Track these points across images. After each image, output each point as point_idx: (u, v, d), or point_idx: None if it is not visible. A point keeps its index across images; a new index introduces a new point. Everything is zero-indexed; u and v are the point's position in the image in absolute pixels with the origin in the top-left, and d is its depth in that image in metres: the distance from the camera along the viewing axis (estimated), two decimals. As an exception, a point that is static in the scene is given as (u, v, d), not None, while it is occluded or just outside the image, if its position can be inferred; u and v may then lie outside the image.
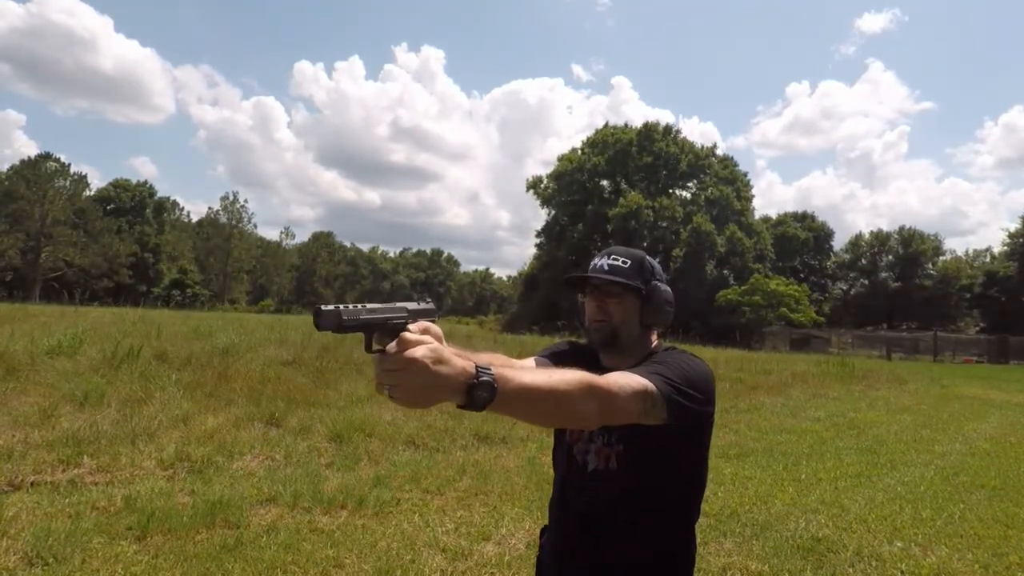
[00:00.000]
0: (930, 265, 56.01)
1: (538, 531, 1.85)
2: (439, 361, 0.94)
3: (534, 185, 55.28)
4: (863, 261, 59.03)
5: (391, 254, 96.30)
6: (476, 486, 5.00)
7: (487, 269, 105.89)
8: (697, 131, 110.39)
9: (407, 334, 0.96)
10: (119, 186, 64.79)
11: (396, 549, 3.68)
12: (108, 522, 3.71)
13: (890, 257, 58.03)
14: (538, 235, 55.48)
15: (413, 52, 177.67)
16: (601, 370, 1.20)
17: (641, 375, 1.26)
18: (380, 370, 0.95)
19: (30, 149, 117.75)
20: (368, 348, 0.98)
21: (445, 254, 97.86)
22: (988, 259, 56.22)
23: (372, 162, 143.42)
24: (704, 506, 1.59)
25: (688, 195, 54.23)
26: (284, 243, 79.74)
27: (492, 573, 3.49)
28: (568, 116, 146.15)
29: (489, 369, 0.99)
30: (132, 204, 63.79)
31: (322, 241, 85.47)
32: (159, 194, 68.75)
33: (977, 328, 48.20)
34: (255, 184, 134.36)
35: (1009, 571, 3.92)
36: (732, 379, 12.41)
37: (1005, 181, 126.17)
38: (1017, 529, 4.68)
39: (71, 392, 6.29)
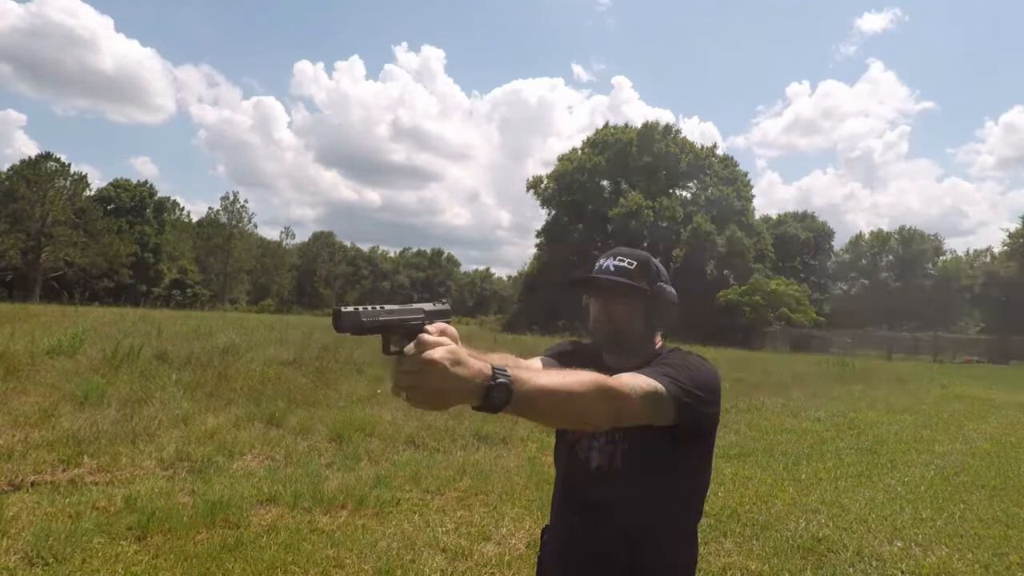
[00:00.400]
0: (930, 265, 56.02)
1: (538, 531, 1.86)
2: (457, 363, 0.93)
3: (534, 185, 55.26)
4: (863, 261, 59.04)
5: (391, 254, 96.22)
6: (476, 486, 5.00)
7: (487, 269, 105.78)
8: (697, 131, 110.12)
9: (425, 335, 0.96)
10: (119, 186, 64.77)
11: (396, 549, 3.68)
12: (108, 522, 3.71)
13: (890, 257, 58.05)
14: (538, 235, 55.50)
15: (413, 52, 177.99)
16: (605, 370, 1.20)
17: (650, 376, 1.26)
18: (398, 372, 0.94)
19: (30, 149, 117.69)
20: (386, 350, 0.98)
21: (445, 254, 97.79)
22: (988, 259, 56.13)
23: (372, 162, 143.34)
24: (704, 506, 1.58)
25: (688, 195, 54.22)
26: (284, 243, 79.74)
27: (492, 573, 3.49)
28: (568, 116, 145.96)
29: (505, 370, 0.99)
30: (132, 204, 63.75)
31: (322, 241, 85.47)
32: (159, 194, 68.69)
33: (977, 328, 48.19)
34: (255, 184, 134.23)
35: (1009, 571, 3.92)
36: (732, 379, 12.42)
37: (1005, 181, 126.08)
38: (1017, 529, 4.68)
39: (71, 392, 6.30)
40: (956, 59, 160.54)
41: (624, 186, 52.29)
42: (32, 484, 4.28)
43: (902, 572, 3.82)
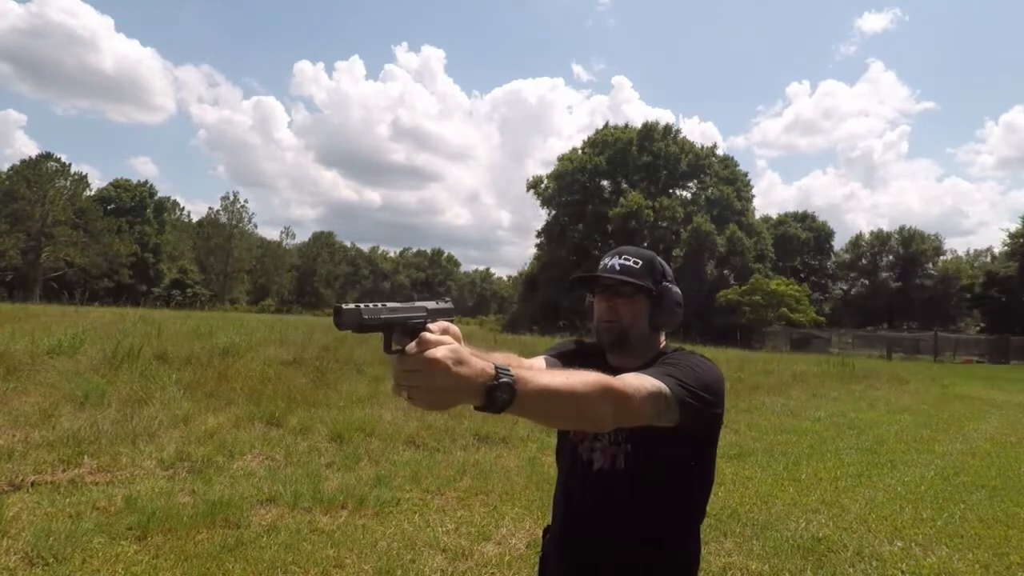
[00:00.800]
0: (930, 265, 56.01)
1: (538, 531, 1.86)
2: (459, 362, 0.92)
3: (534, 185, 55.30)
4: (863, 261, 59.02)
5: (391, 254, 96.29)
6: (476, 486, 5.00)
7: (487, 269, 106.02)
8: (697, 131, 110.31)
9: (427, 334, 0.94)
10: (119, 186, 64.81)
11: (396, 549, 3.68)
12: (108, 522, 3.71)
13: (890, 257, 58.03)
14: (538, 235, 55.54)
15: (413, 52, 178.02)
16: (608, 370, 1.20)
17: (654, 377, 1.26)
18: (399, 371, 0.92)
19: (31, 149, 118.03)
20: (388, 348, 0.97)
21: (445, 254, 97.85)
22: (989, 259, 56.16)
23: (372, 162, 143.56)
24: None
25: (688, 195, 54.24)
26: (284, 243, 79.83)
27: (492, 573, 3.49)
28: (568, 116, 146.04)
29: (508, 370, 0.97)
30: (132, 204, 63.81)
31: (322, 241, 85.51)
32: (159, 194, 68.85)
33: (977, 328, 48.13)
34: (255, 184, 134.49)
35: (1010, 571, 3.92)
36: (732, 379, 12.41)
37: (1006, 181, 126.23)
38: (1018, 529, 4.68)
39: (71, 392, 6.30)
40: (956, 59, 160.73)
41: (624, 186, 52.31)
42: (32, 484, 4.28)
43: (902, 572, 3.82)
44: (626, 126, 55.32)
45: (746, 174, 55.43)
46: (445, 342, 0.93)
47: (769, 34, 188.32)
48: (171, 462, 4.94)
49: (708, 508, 1.56)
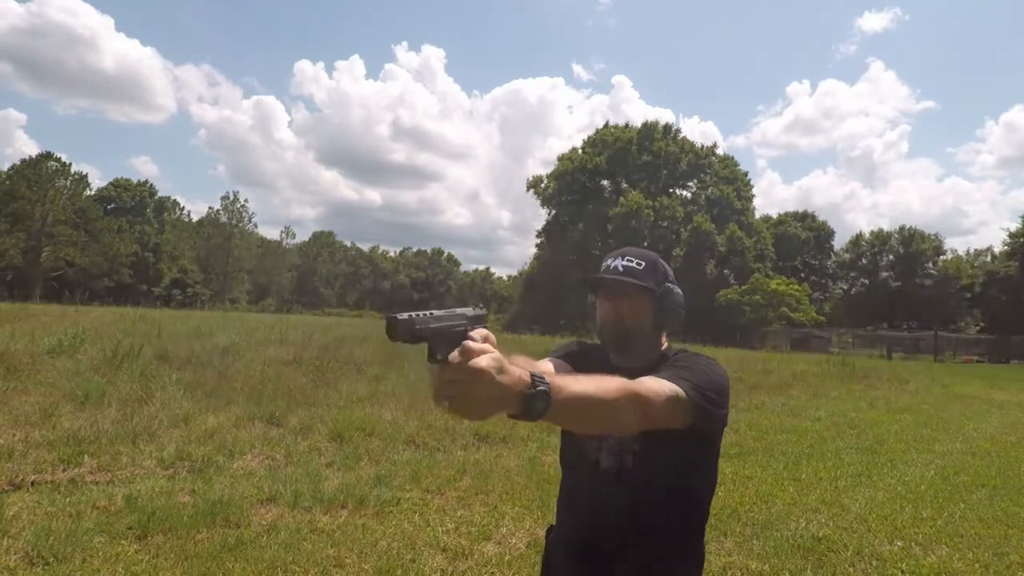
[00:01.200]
0: (931, 265, 55.96)
1: (539, 530, 1.86)
2: (501, 371, 0.91)
3: (534, 185, 55.30)
4: (863, 261, 58.98)
5: (391, 253, 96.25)
6: (477, 485, 5.00)
7: (487, 269, 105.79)
8: (697, 130, 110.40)
9: (471, 343, 0.92)
10: (120, 185, 64.82)
11: (396, 548, 3.68)
12: (109, 521, 3.71)
13: (891, 257, 57.98)
14: (539, 235, 55.58)
15: (414, 51, 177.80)
16: (611, 370, 1.20)
17: (669, 380, 1.26)
18: (442, 380, 0.90)
19: (31, 148, 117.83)
20: (432, 358, 0.94)
21: (446, 254, 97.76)
22: (989, 259, 56.16)
23: (373, 161, 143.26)
24: (706, 506, 1.59)
25: (688, 195, 54.25)
26: (285, 242, 79.86)
27: (492, 573, 3.48)
28: (569, 115, 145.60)
29: (543, 377, 0.97)
30: (133, 203, 63.82)
31: (323, 240, 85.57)
32: (160, 193, 68.85)
33: (978, 328, 48.15)
34: (256, 183, 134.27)
35: (1010, 571, 3.92)
36: (733, 379, 12.21)
37: (1006, 180, 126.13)
38: (1018, 529, 4.68)
39: (72, 391, 6.30)
40: (956, 59, 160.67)
41: (624, 186, 52.30)
42: (32, 483, 4.29)
43: (902, 572, 3.82)
44: (626, 126, 55.33)
45: (746, 174, 55.47)
46: (488, 350, 0.92)
47: (769, 34, 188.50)
48: (171, 462, 4.95)
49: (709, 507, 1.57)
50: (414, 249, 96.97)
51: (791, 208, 74.90)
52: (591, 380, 1.09)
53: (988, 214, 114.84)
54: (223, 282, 67.83)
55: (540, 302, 48.88)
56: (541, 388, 0.95)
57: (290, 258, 79.45)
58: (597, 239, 50.73)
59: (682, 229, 48.76)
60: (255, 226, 74.88)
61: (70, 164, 57.11)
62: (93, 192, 61.32)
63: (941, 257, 56.61)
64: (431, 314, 0.94)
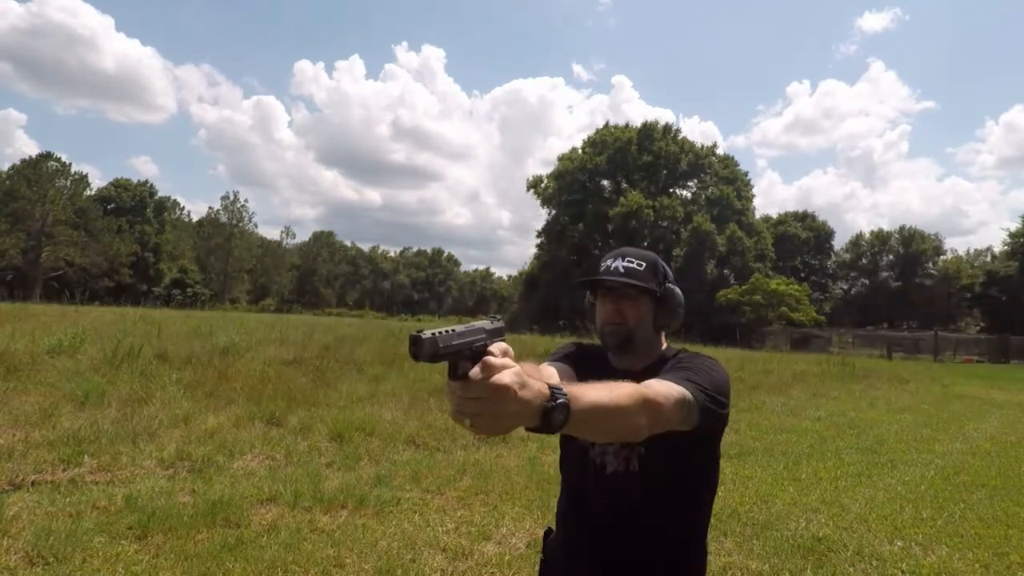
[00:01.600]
0: (931, 265, 56.04)
1: (539, 530, 1.85)
2: (523, 385, 0.89)
3: (535, 185, 55.31)
4: (864, 261, 59.07)
5: (391, 253, 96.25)
6: (477, 485, 5.00)
7: (487, 268, 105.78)
8: (698, 130, 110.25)
9: (491, 359, 0.90)
10: (120, 185, 64.84)
11: (396, 548, 3.68)
12: (109, 521, 3.71)
13: (891, 257, 58.07)
14: (539, 235, 55.58)
15: (414, 51, 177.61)
16: (611, 372, 1.20)
17: (676, 383, 1.26)
18: (463, 398, 0.88)
19: (31, 148, 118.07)
20: (454, 375, 0.92)
21: (445, 253, 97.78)
22: (989, 259, 56.18)
23: (373, 161, 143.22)
24: (707, 506, 1.59)
25: (688, 195, 54.27)
26: (285, 242, 79.88)
27: (492, 573, 3.48)
28: (569, 115, 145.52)
29: (561, 388, 0.95)
30: (133, 203, 63.84)
31: (323, 240, 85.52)
32: (160, 193, 68.88)
33: (978, 328, 48.16)
34: (256, 183, 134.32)
35: (1010, 570, 3.91)
36: (733, 379, 12.25)
37: (1006, 180, 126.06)
38: (1018, 528, 4.68)
39: (72, 391, 6.30)
40: (956, 59, 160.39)
41: (624, 186, 52.30)
42: (32, 483, 4.29)
43: (902, 572, 3.81)
44: (626, 126, 55.33)
45: (746, 174, 55.50)
46: (509, 366, 0.90)
47: (769, 34, 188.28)
48: (171, 461, 4.95)
49: (708, 508, 1.57)
50: (414, 249, 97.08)
51: (791, 208, 74.98)
52: (604, 387, 1.07)
53: (988, 214, 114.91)
54: (223, 282, 67.84)
55: (540, 302, 48.89)
56: (561, 401, 0.94)
57: (290, 258, 79.47)
58: (597, 239, 50.75)
59: (682, 229, 48.77)
60: (255, 226, 75.06)
61: (70, 164, 57.27)
62: (93, 192, 61.39)
63: (941, 257, 56.71)
64: (453, 331, 0.92)
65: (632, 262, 1.50)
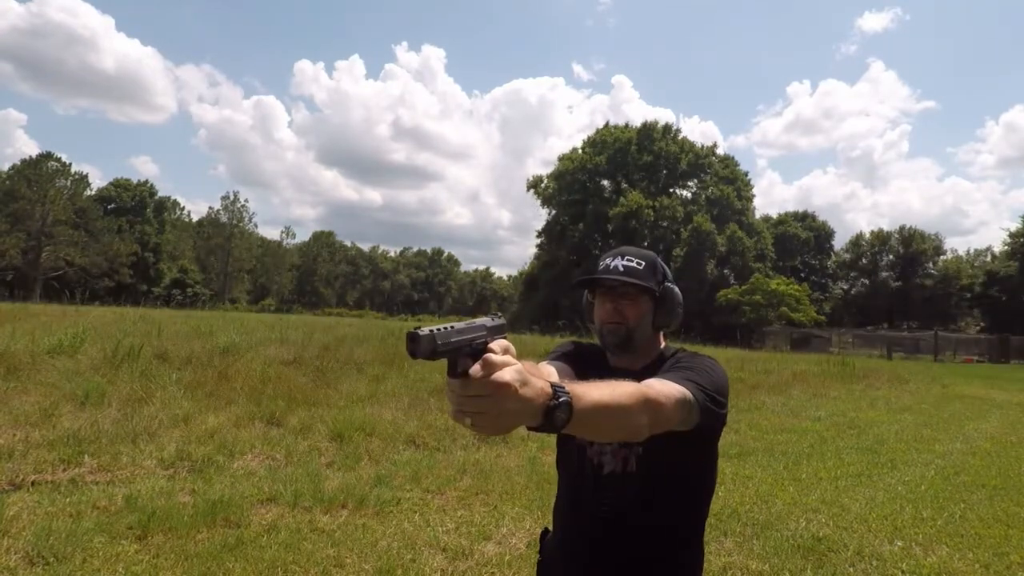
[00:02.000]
0: (931, 264, 55.96)
1: (538, 531, 1.85)
2: (524, 383, 0.88)
3: (535, 185, 55.30)
4: (864, 260, 58.98)
5: (392, 253, 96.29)
6: (477, 485, 5.00)
7: (487, 268, 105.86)
8: (698, 130, 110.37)
9: (492, 356, 0.89)
10: (120, 185, 64.84)
11: (397, 548, 3.68)
12: (109, 521, 3.71)
13: (891, 256, 57.98)
14: (539, 235, 55.57)
15: (414, 51, 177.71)
16: (610, 371, 1.19)
17: (676, 382, 1.26)
18: (463, 396, 0.87)
19: (31, 148, 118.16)
20: (453, 372, 0.91)
21: (446, 253, 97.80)
22: (989, 259, 56.16)
23: (373, 161, 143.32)
24: (706, 506, 1.60)
25: (688, 194, 54.26)
26: (285, 242, 79.91)
27: (493, 572, 3.49)
28: (569, 115, 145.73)
29: (563, 387, 0.94)
30: (133, 203, 63.84)
31: (323, 240, 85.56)
32: (160, 193, 68.88)
33: (978, 328, 48.14)
34: (256, 183, 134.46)
35: (1010, 571, 3.91)
36: (733, 379, 12.38)
37: (1006, 180, 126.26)
38: (1018, 528, 4.68)
39: (72, 391, 6.30)
40: (956, 59, 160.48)
41: (624, 186, 52.30)
42: (33, 483, 4.29)
43: (902, 572, 3.81)
44: (626, 126, 55.33)
45: (746, 173, 55.50)
46: (510, 363, 0.89)
47: (769, 34, 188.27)
48: (171, 461, 4.95)
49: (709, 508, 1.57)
50: (414, 249, 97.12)
51: (791, 208, 74.99)
52: (606, 386, 1.06)
53: (988, 214, 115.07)
54: (223, 282, 67.83)
55: (540, 302, 48.87)
56: (564, 399, 0.93)
57: (290, 258, 79.48)
58: (597, 239, 50.72)
59: (682, 229, 48.74)
60: (255, 226, 75.04)
61: (70, 164, 57.26)
62: (93, 192, 61.39)
63: (941, 257, 56.63)
64: (452, 327, 0.91)
65: (631, 261, 1.50)
